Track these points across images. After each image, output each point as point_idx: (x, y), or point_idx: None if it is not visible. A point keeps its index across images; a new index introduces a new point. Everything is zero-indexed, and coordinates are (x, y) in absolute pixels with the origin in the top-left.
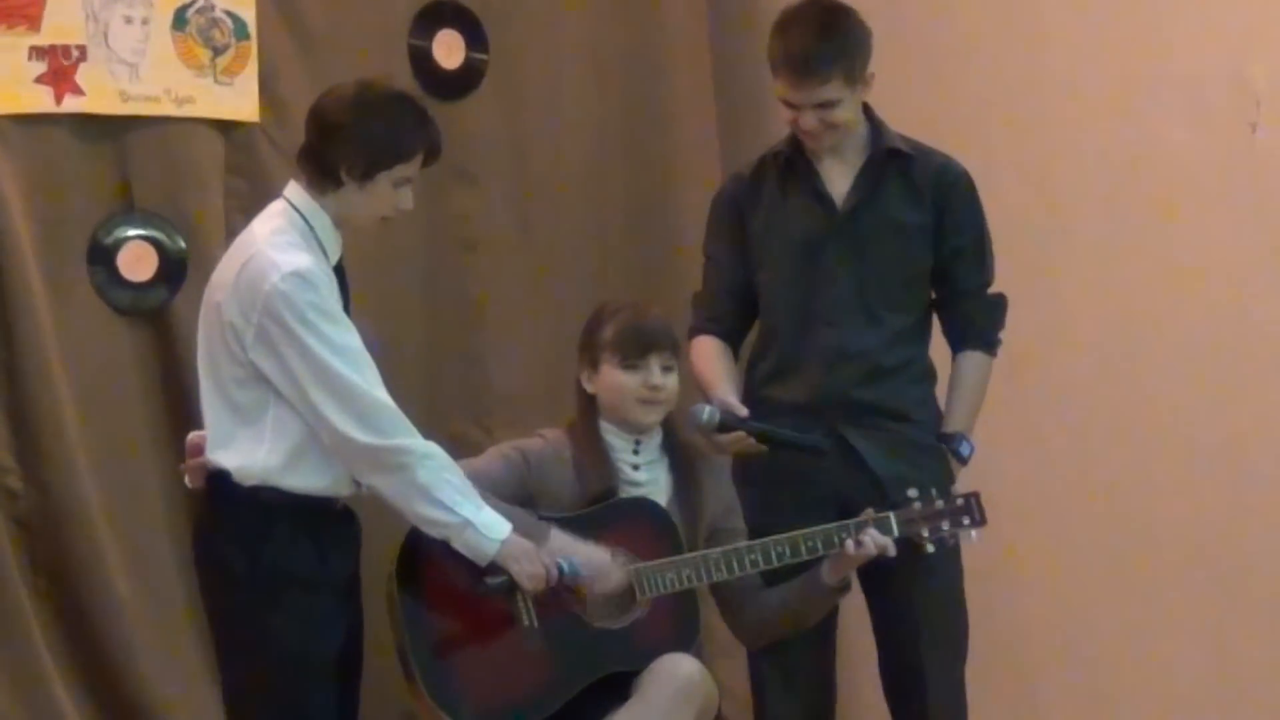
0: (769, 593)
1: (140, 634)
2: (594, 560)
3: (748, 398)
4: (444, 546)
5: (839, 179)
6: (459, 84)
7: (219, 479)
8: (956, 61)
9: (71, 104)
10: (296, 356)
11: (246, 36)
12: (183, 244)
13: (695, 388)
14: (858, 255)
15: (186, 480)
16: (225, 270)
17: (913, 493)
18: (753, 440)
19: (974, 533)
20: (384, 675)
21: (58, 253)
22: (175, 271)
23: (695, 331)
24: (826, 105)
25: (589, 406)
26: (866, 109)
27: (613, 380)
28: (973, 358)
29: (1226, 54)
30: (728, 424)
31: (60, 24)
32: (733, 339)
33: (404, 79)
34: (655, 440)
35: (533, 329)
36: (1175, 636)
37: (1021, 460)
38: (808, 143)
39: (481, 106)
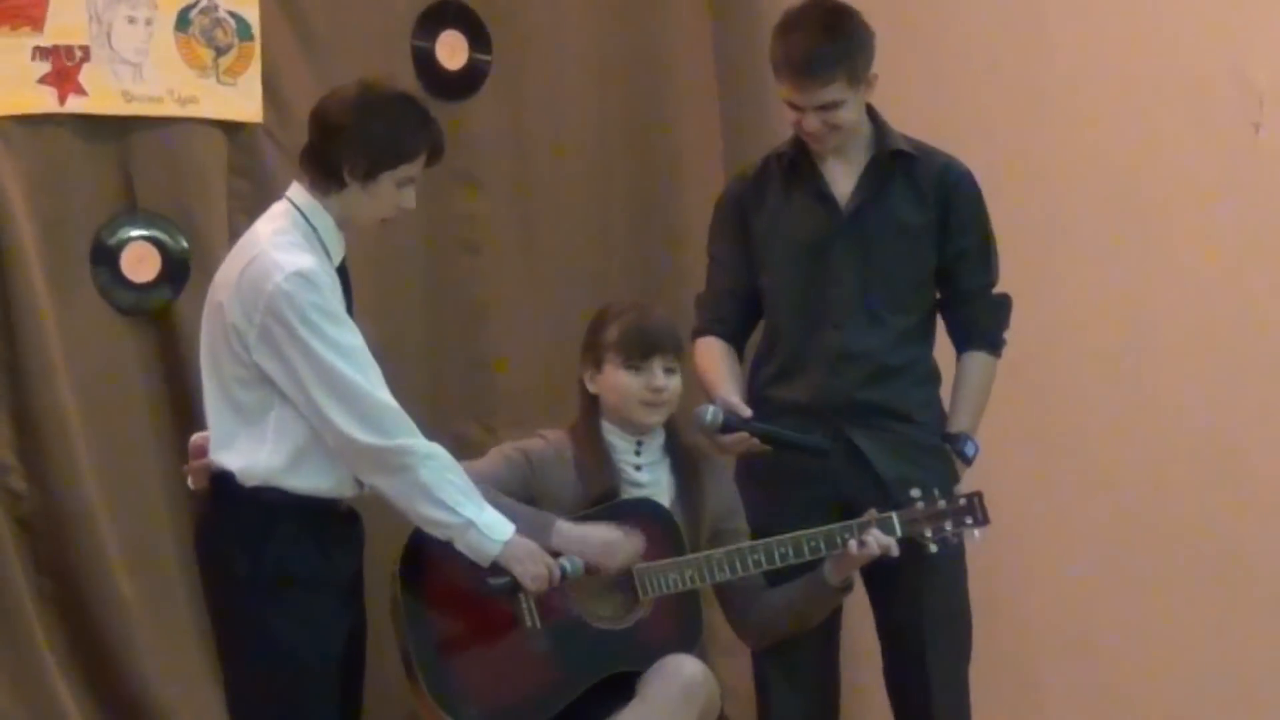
0: (772, 593)
1: (142, 634)
2: (599, 539)
3: (752, 398)
4: (447, 547)
5: (843, 180)
6: (462, 85)
7: (222, 480)
8: (959, 62)
9: (75, 104)
10: (299, 357)
11: (250, 37)
12: (185, 244)
13: (699, 389)
14: (862, 256)
15: (189, 481)
16: (228, 271)
17: (915, 493)
18: (756, 441)
19: (977, 532)
20: (387, 676)
21: (61, 253)
22: (178, 272)
23: (699, 332)
24: (829, 107)
25: (591, 407)
26: (870, 110)
27: (616, 381)
28: (977, 358)
29: (1229, 54)
30: (731, 425)
31: (63, 24)
32: (737, 340)
33: (407, 80)
34: (658, 441)
35: (535, 330)
36: (1179, 636)
37: (1025, 460)
38: (811, 144)
39: (484, 107)
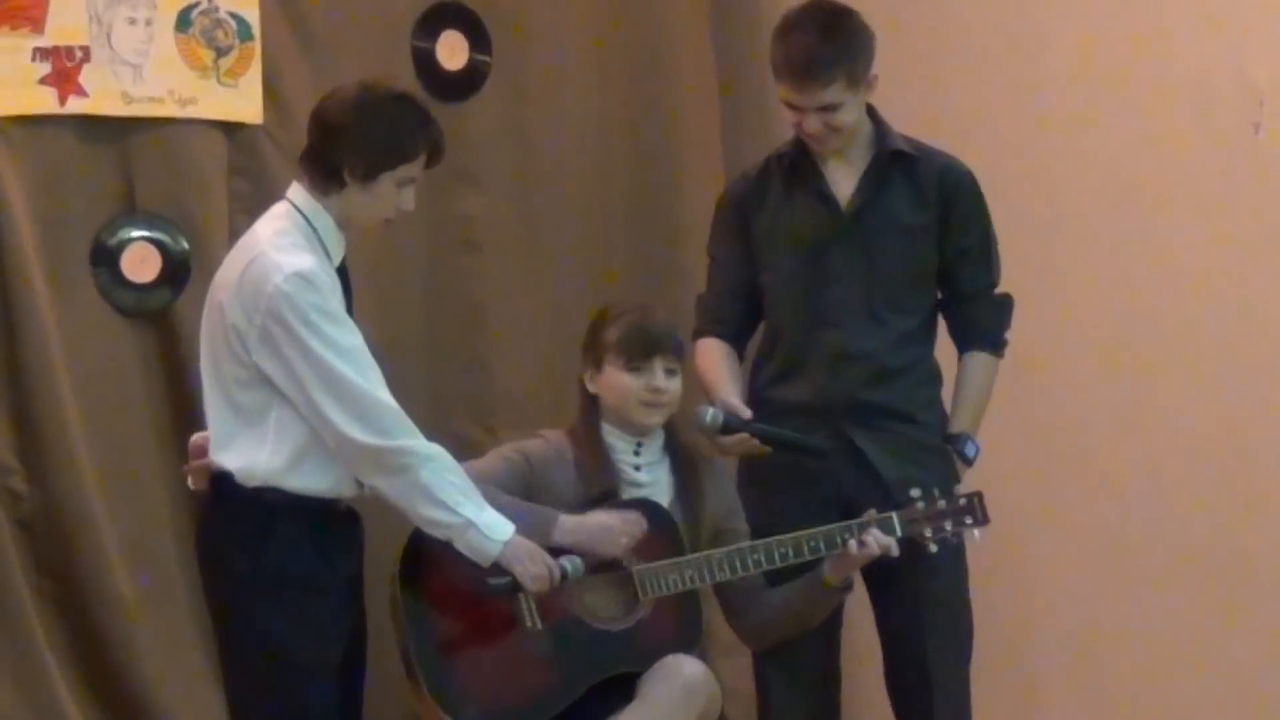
0: (771, 593)
1: (143, 635)
2: (597, 524)
3: (753, 399)
4: (447, 548)
5: (843, 180)
6: (462, 85)
7: (222, 480)
8: (959, 63)
9: (75, 105)
10: (299, 358)
11: (250, 38)
12: (186, 245)
13: (699, 389)
14: (863, 256)
15: (189, 481)
16: (228, 271)
17: (915, 492)
18: (756, 442)
19: (977, 532)
20: (387, 677)
21: (61, 254)
22: (178, 273)
23: (699, 333)
24: (829, 108)
25: (591, 407)
26: (871, 110)
27: (615, 381)
28: (979, 358)
29: (1229, 54)
30: (731, 426)
31: (64, 25)
32: (737, 340)
33: (407, 80)
34: (657, 441)
35: (536, 330)
36: (1180, 637)
37: (1026, 461)
38: (812, 145)
39: (484, 108)
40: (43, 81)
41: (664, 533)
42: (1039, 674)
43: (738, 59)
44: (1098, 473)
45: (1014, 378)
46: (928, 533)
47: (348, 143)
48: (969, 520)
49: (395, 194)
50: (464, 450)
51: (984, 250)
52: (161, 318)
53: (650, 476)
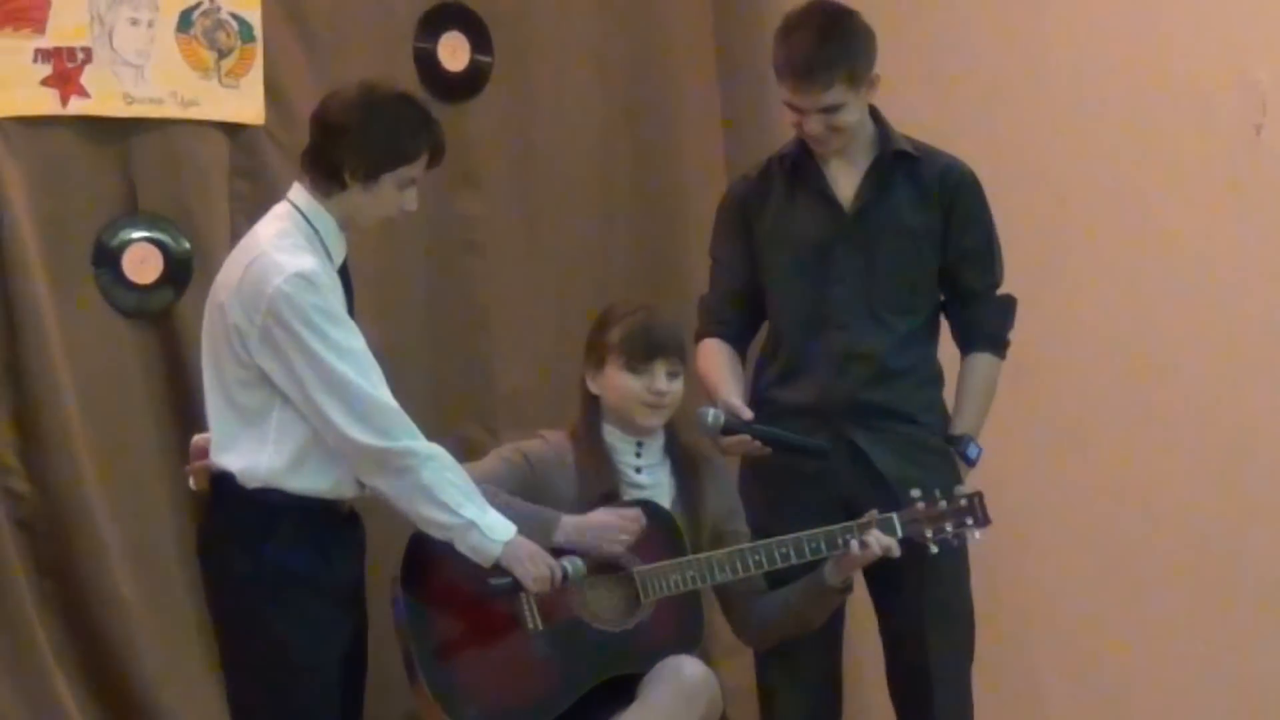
0: (772, 595)
1: (144, 635)
2: (598, 522)
3: (756, 400)
4: (448, 549)
5: (846, 181)
6: (464, 86)
7: (223, 481)
8: (961, 63)
9: (76, 106)
10: (300, 359)
11: (252, 39)
12: (187, 246)
13: (701, 390)
14: (865, 258)
15: (191, 482)
16: (229, 272)
17: (916, 493)
18: (757, 443)
19: (977, 533)
20: (387, 676)
21: (62, 255)
22: (180, 274)
23: (701, 334)
24: (831, 109)
25: (592, 407)
26: (873, 111)
27: (617, 382)
28: (981, 359)
29: (1232, 56)
30: (732, 427)
31: (65, 26)
32: (739, 342)
33: (409, 81)
34: (658, 443)
35: (537, 331)
36: (1182, 638)
37: (1028, 461)
38: (814, 147)
39: (486, 109)
40: (44, 82)
41: (665, 533)
42: (1040, 674)
43: (738, 59)
44: (1099, 473)
45: (1016, 379)
46: (928, 533)
47: (349, 143)
48: (969, 521)
49: (396, 195)
50: (465, 451)
51: (986, 251)
52: (163, 318)
53: (651, 478)
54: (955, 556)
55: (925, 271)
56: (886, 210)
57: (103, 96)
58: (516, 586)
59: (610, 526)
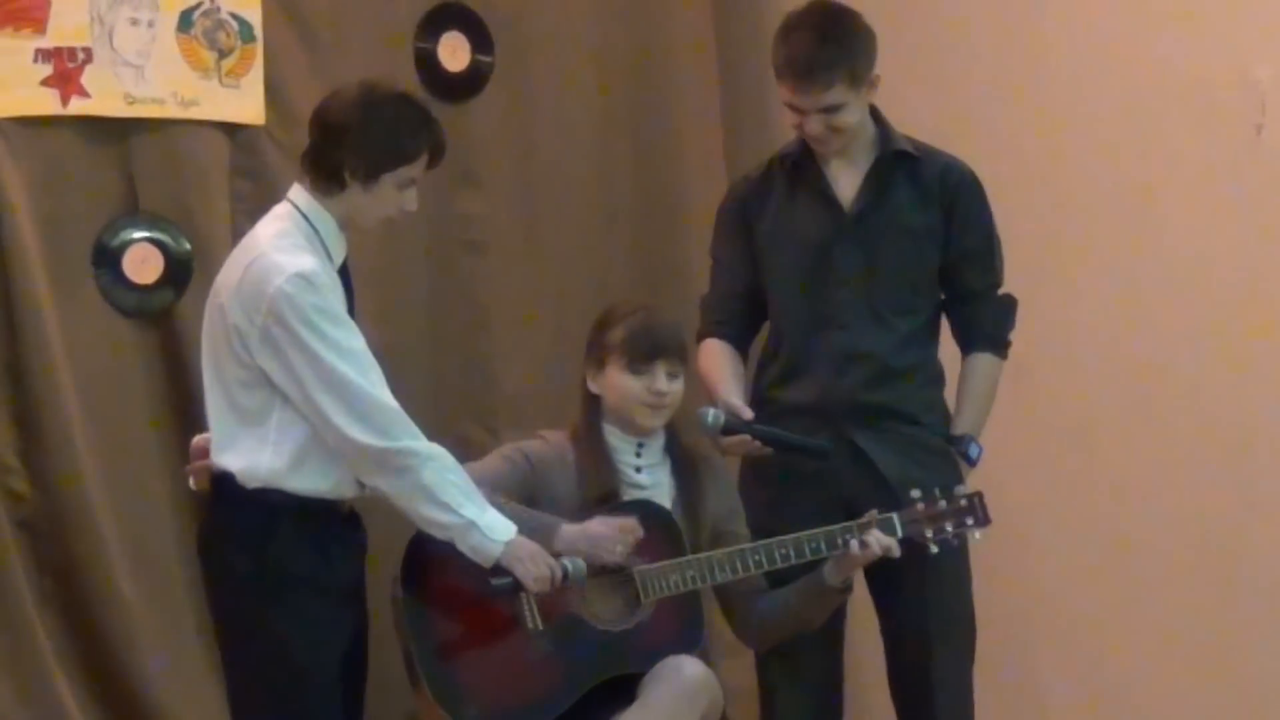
0: (772, 595)
1: (144, 636)
2: (595, 531)
3: (757, 400)
4: (448, 549)
5: (847, 181)
6: (464, 86)
7: (223, 481)
8: (961, 63)
9: (77, 106)
10: (300, 359)
11: (252, 39)
12: (188, 246)
13: (701, 390)
14: (866, 258)
15: (191, 482)
16: (230, 273)
17: (916, 493)
18: (757, 443)
19: (977, 533)
20: (388, 678)
21: (63, 255)
22: (180, 274)
23: (702, 334)
24: (831, 110)
25: (593, 407)
26: (873, 111)
27: (618, 382)
28: (982, 359)
29: (1232, 55)
30: (732, 427)
31: (66, 26)
32: (740, 342)
33: (409, 81)
34: (658, 443)
35: (538, 331)
36: (1183, 638)
37: (1029, 461)
38: (814, 147)
39: (486, 109)
40: (45, 82)
41: (665, 534)
42: (1041, 674)
43: (740, 59)
44: (1100, 473)
45: (1017, 379)
46: (928, 533)
47: (349, 143)
48: (970, 521)
49: (397, 195)
50: (466, 451)
51: (987, 251)
52: (163, 319)
53: (651, 478)
54: (956, 556)
55: (926, 271)
56: (887, 210)
57: (103, 96)
58: (517, 586)
59: (607, 538)
